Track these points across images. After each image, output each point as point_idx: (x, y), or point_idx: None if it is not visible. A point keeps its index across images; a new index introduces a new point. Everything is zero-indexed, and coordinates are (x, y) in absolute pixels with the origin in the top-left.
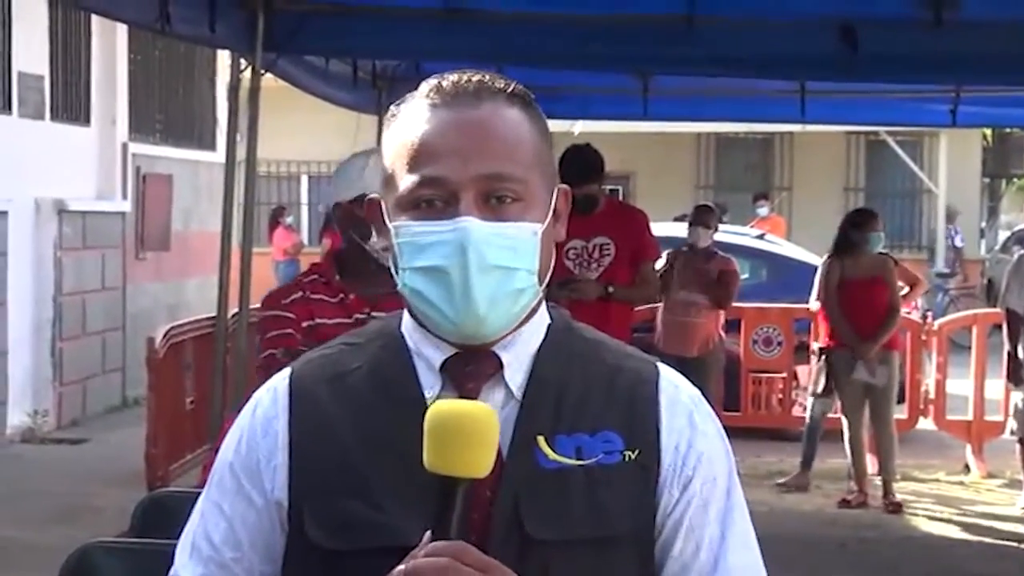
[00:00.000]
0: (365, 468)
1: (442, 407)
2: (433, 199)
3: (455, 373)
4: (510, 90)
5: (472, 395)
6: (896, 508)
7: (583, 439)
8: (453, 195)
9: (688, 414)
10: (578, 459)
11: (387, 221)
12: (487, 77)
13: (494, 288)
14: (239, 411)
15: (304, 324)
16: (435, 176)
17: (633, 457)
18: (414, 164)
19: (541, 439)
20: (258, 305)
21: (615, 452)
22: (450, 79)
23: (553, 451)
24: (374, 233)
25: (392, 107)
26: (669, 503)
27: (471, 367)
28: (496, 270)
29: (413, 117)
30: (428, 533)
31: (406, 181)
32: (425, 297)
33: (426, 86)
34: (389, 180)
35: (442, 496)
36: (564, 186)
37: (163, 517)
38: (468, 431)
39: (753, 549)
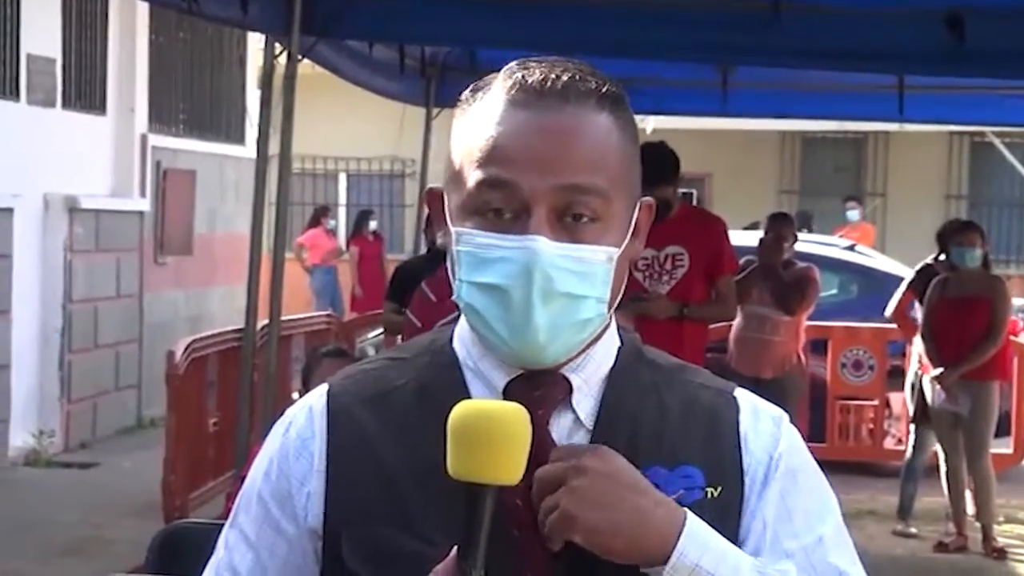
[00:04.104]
0: (409, 494)
1: (466, 407)
2: (502, 209)
3: (521, 397)
4: (603, 91)
5: (542, 422)
6: (999, 554)
7: (661, 473)
8: (525, 207)
9: (771, 432)
10: None
11: (449, 222)
12: (578, 75)
13: (557, 317)
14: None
15: None
16: (507, 184)
17: (716, 495)
18: (485, 167)
19: None
20: (316, 313)
21: (696, 488)
22: (536, 74)
23: None
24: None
25: (467, 92)
26: (749, 522)
27: (540, 391)
28: (562, 297)
29: (490, 112)
30: (454, 549)
31: (475, 184)
32: (482, 316)
33: (508, 79)
34: (456, 177)
35: (469, 506)
36: (648, 199)
37: (181, 551)
38: (496, 432)
39: (856, 561)
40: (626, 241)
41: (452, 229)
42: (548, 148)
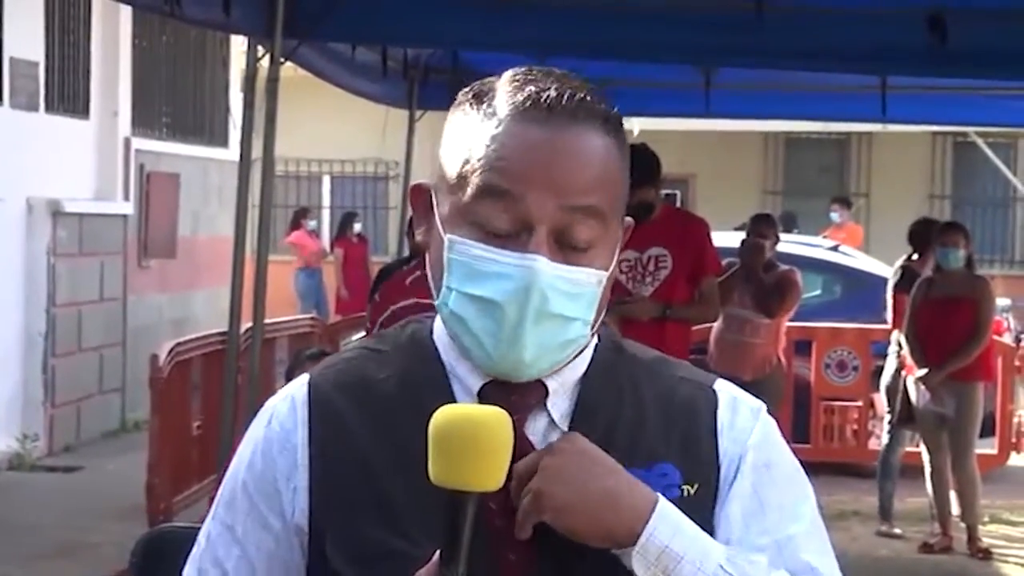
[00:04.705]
0: (393, 491)
1: (447, 413)
2: (500, 224)
3: (497, 401)
4: (609, 114)
5: (518, 426)
6: (984, 554)
7: (638, 473)
8: (527, 224)
9: (747, 422)
10: None
11: (439, 226)
12: (587, 95)
13: (546, 337)
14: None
15: None
16: (512, 197)
17: (692, 492)
18: (490, 178)
19: None
20: (300, 316)
21: (673, 487)
22: (551, 91)
23: None
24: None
25: (468, 96)
26: (719, 513)
27: (516, 396)
28: (554, 318)
29: (496, 123)
30: (436, 554)
31: (476, 194)
32: (468, 327)
33: (518, 92)
34: (451, 182)
35: (451, 512)
36: (630, 219)
37: (166, 554)
38: (482, 440)
39: (829, 553)
40: (613, 263)
41: (444, 236)
42: (556, 167)
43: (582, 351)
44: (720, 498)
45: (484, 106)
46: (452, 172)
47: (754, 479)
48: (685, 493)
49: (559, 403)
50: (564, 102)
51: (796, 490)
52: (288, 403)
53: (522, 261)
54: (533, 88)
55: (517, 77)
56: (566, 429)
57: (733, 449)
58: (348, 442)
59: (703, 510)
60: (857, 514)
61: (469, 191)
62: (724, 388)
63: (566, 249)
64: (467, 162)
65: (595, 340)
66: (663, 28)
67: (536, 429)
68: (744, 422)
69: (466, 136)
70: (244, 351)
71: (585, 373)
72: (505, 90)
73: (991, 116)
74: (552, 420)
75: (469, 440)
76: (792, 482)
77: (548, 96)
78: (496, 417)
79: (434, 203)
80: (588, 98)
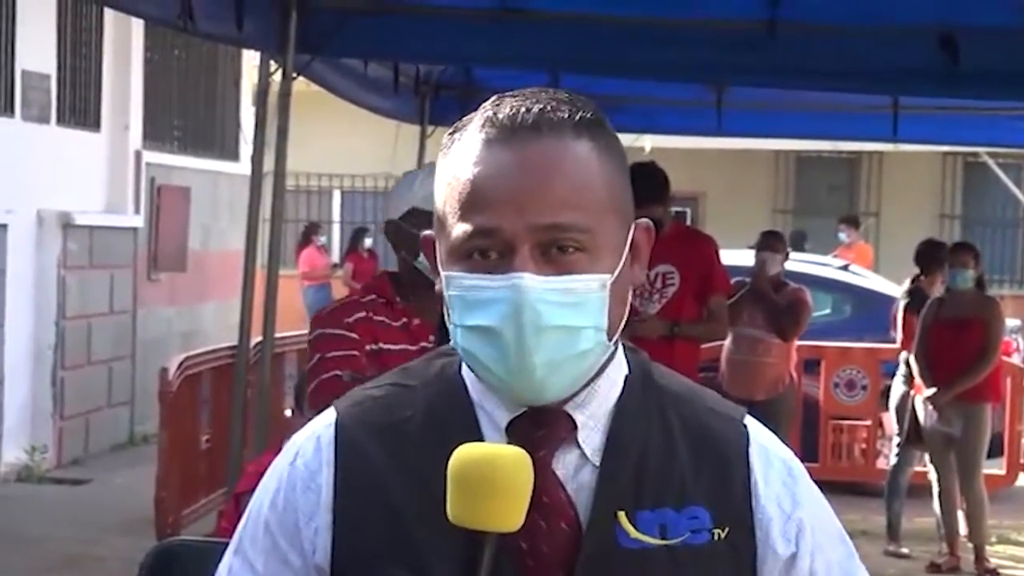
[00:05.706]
0: (417, 532)
1: (465, 453)
2: (487, 249)
3: (524, 436)
4: (577, 118)
5: (544, 462)
6: (991, 574)
7: (668, 515)
8: (508, 246)
9: (782, 480)
10: (662, 538)
11: (439, 267)
12: (550, 105)
13: (554, 351)
14: (262, 452)
15: (368, 347)
16: (487, 227)
17: (723, 536)
18: (465, 211)
19: (622, 514)
20: (298, 331)
21: (703, 531)
22: (507, 108)
23: (635, 528)
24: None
25: (446, 136)
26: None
27: (543, 431)
28: (556, 331)
29: (466, 154)
30: None
31: (457, 229)
32: (478, 359)
33: (481, 116)
34: (441, 223)
35: (470, 552)
36: (645, 220)
37: (174, 568)
38: (498, 482)
39: None
40: (621, 265)
41: (442, 273)
42: (525, 186)
43: (606, 367)
44: (764, 561)
45: (457, 141)
46: (439, 213)
47: (812, 548)
48: (716, 537)
49: (591, 437)
50: (522, 118)
51: (844, 549)
52: (314, 442)
53: (507, 281)
54: (492, 112)
55: (486, 104)
56: (597, 464)
57: (771, 510)
58: (373, 483)
59: (736, 556)
60: (865, 533)
61: (454, 232)
62: (755, 429)
63: (557, 259)
64: (448, 201)
65: (625, 369)
66: (674, 46)
67: (566, 463)
68: (779, 478)
69: (445, 175)
70: (254, 365)
71: (616, 405)
72: (475, 120)
73: (1002, 136)
74: (583, 454)
75: (487, 480)
76: (841, 541)
77: (506, 115)
78: (514, 457)
79: (437, 248)
80: (551, 108)
